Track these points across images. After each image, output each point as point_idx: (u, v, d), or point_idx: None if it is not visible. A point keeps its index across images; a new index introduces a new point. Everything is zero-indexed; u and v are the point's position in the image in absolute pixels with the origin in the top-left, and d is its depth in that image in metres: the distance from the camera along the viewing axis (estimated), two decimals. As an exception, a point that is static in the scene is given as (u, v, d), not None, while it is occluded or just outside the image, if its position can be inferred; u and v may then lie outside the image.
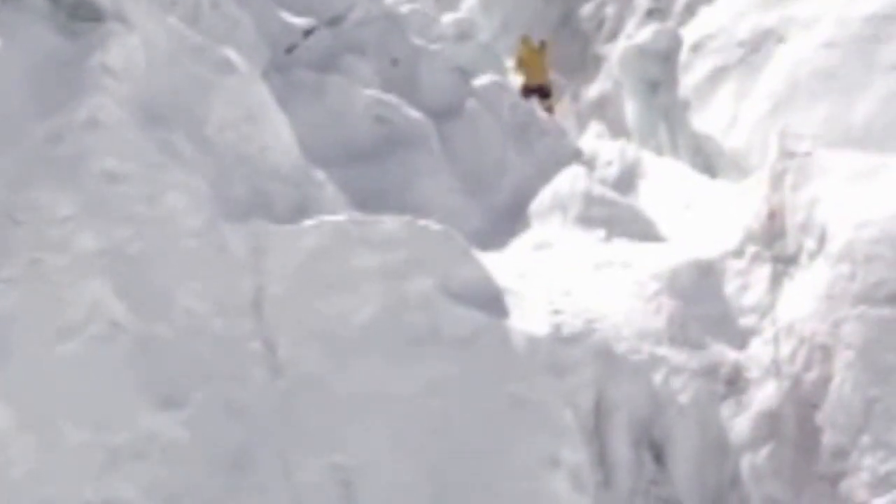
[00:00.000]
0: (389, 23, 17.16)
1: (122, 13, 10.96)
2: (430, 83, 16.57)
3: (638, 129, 18.71)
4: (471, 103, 16.50)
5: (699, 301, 11.67)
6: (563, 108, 22.37)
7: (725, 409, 10.90)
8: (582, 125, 19.62)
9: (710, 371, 11.09)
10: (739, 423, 10.79)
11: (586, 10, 22.85)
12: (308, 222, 10.64)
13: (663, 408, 10.87)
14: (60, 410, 9.35)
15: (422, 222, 11.05)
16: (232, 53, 11.65)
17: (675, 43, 18.24)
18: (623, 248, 13.09)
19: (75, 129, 10.13)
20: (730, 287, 11.73)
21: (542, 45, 22.96)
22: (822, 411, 10.39)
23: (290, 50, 15.35)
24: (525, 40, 23.15)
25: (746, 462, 10.61)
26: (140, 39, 10.83)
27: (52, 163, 10.01)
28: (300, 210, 11.04)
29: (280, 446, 9.70)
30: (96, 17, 10.87)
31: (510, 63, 23.25)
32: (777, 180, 11.87)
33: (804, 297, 10.97)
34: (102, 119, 10.20)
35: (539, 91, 22.69)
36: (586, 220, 13.83)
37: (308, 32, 15.78)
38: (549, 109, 22.65)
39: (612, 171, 16.57)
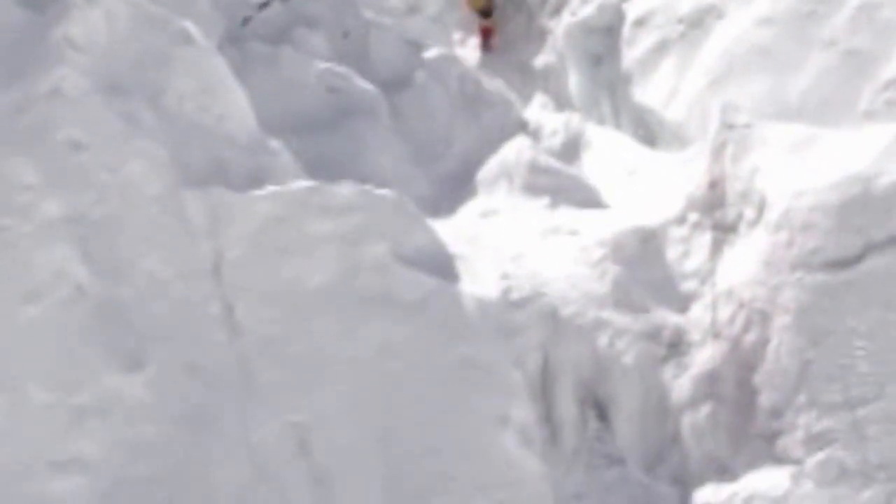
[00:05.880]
0: (341, -4, 17.16)
1: (85, -14, 11.02)
2: (381, 55, 16.54)
3: (581, 100, 18.49)
4: (420, 75, 16.50)
5: (642, 267, 11.75)
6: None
7: (667, 371, 11.01)
8: (527, 97, 19.57)
9: (652, 334, 11.20)
10: (680, 384, 10.90)
11: (531, -16, 22.83)
12: (265, 189, 10.76)
13: (607, 369, 10.99)
14: (26, 372, 9.51)
15: (375, 190, 11.16)
16: (190, 26, 11.64)
17: (619, 18, 18.12)
18: (568, 215, 13.08)
19: (39, 99, 10.23)
20: (672, 253, 11.80)
21: None
22: (759, 373, 10.49)
23: (244, 22, 15.37)
24: None
25: (687, 421, 10.74)
26: (102, 12, 10.88)
27: (16, 132, 10.14)
28: (257, 178, 11.10)
29: (239, 405, 9.87)
30: (59, -10, 10.88)
31: (458, 35, 23.24)
32: (718, 151, 11.92)
33: (743, 264, 11.06)
34: (66, 90, 10.30)
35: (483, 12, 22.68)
36: (532, 189, 13.77)
37: (262, 5, 15.79)
38: (489, 31, 22.66)
39: (557, 142, 16.47)
